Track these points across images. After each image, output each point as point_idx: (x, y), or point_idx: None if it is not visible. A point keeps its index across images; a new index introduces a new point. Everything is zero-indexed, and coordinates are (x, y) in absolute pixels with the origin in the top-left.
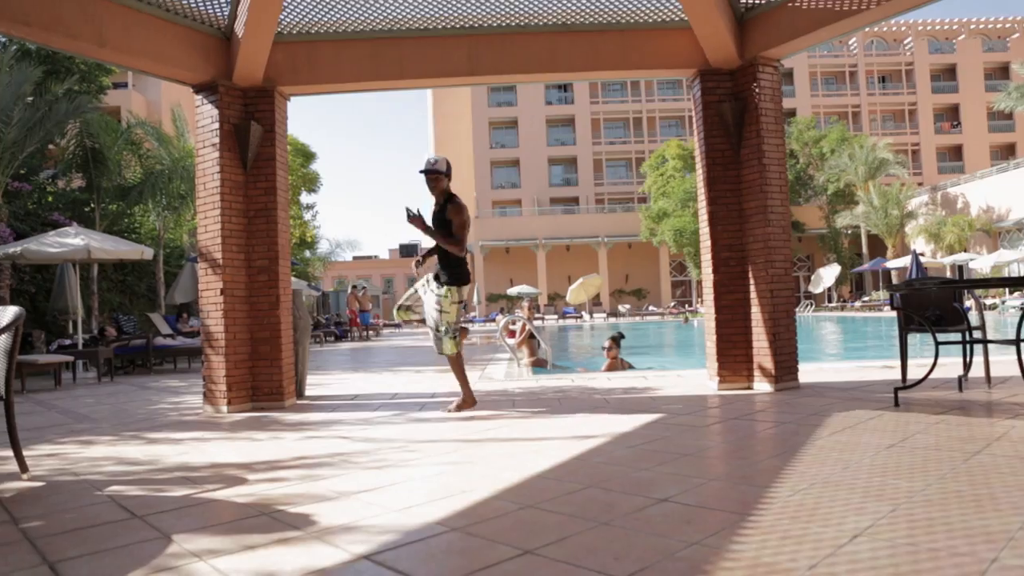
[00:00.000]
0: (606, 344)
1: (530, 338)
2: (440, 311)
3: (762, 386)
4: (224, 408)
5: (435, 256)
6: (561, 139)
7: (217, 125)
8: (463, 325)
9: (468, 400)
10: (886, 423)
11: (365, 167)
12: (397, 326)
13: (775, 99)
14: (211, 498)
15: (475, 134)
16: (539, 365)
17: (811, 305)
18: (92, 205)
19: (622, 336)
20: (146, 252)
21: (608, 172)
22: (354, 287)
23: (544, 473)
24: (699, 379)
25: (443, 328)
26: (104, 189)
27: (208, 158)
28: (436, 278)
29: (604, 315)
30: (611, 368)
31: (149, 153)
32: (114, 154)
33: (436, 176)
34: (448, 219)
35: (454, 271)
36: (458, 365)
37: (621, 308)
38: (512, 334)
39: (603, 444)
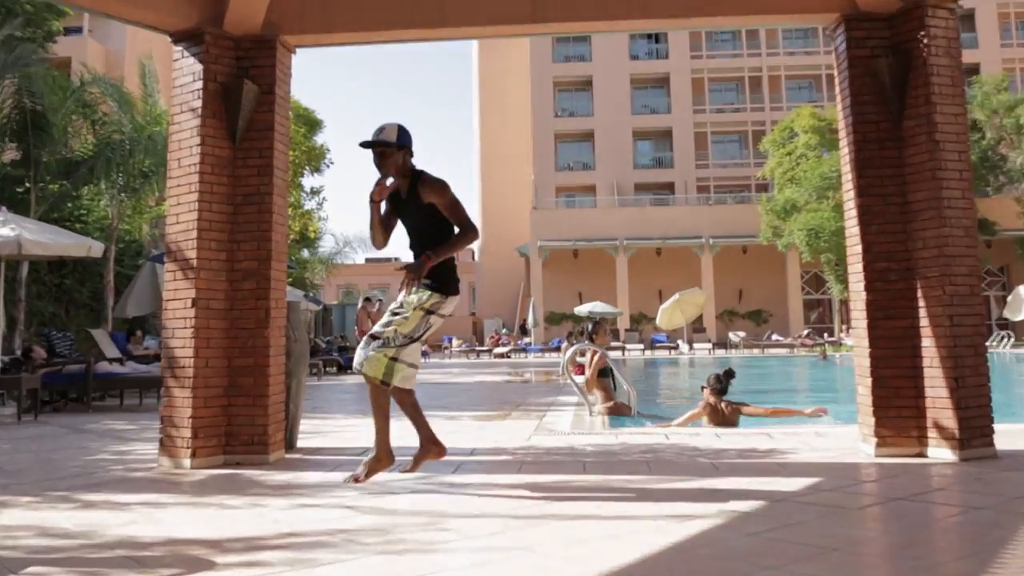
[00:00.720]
0: (704, 387)
1: (601, 376)
2: (397, 313)
3: (940, 452)
4: (187, 462)
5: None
6: (651, 105)
7: (200, 84)
8: (412, 363)
9: (382, 457)
10: None
11: None
12: (423, 354)
13: (951, 52)
14: None
15: (534, 98)
16: (619, 413)
17: (1008, 338)
18: (27, 184)
19: (731, 376)
20: (94, 248)
21: (715, 150)
22: (367, 300)
23: (628, 569)
24: (847, 439)
25: (385, 336)
26: (44, 164)
27: (186, 126)
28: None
29: (709, 346)
30: (710, 418)
31: (106, 118)
32: (60, 119)
33: (385, 151)
34: (428, 204)
35: (444, 274)
36: (379, 403)
37: (733, 336)
38: (581, 369)
39: (711, 528)
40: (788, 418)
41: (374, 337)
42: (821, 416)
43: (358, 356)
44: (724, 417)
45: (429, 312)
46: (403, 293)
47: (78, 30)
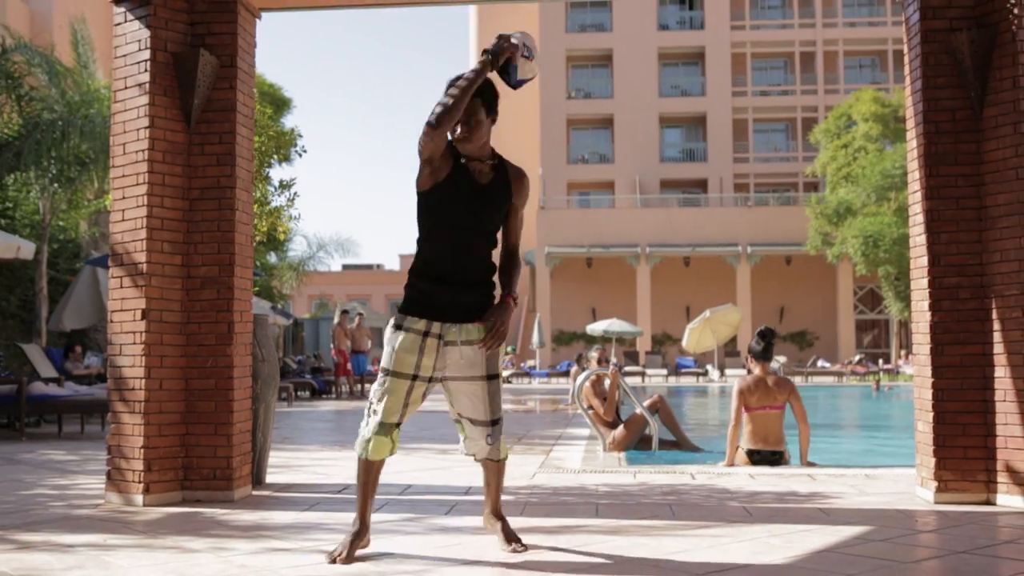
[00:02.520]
0: (749, 353)
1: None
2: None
3: (1011, 500)
4: (139, 498)
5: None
6: (682, 86)
7: (147, 54)
8: (386, 420)
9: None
10: None
11: (363, 126)
12: None
13: None
14: None
15: (543, 75)
16: (632, 439)
17: None
18: None
19: (769, 335)
20: (24, 248)
21: (756, 140)
22: (344, 313)
23: None
24: (902, 483)
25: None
26: None
27: (131, 105)
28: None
29: (743, 372)
30: (758, 388)
31: (33, 93)
32: None
33: (485, 113)
34: (508, 198)
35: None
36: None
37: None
38: (601, 397)
39: None
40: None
41: (495, 422)
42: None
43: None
44: (765, 391)
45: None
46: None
47: None
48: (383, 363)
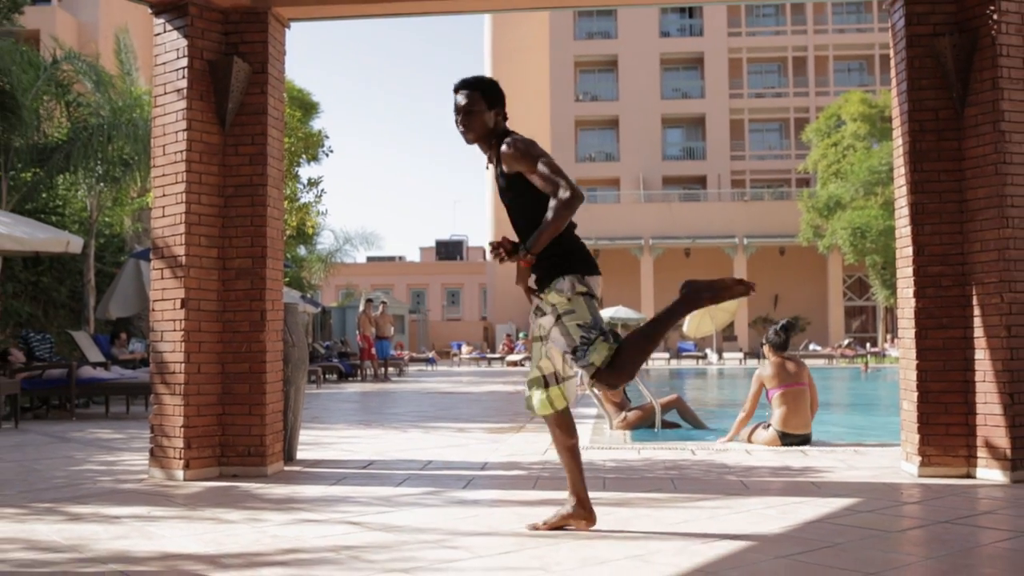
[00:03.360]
0: (763, 342)
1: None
2: (564, 318)
3: (990, 474)
4: (180, 473)
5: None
6: (682, 89)
7: (185, 62)
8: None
9: (581, 512)
10: None
11: (386, 128)
12: (430, 361)
13: None
14: None
15: (553, 80)
16: (641, 424)
17: None
18: None
19: (791, 328)
20: (73, 243)
21: (752, 139)
22: (368, 302)
23: None
24: (888, 458)
25: (585, 345)
26: (15, 150)
27: (170, 109)
28: (538, 288)
29: (740, 355)
30: (779, 372)
31: (81, 99)
32: (31, 100)
33: (472, 109)
34: (515, 174)
35: (564, 252)
36: (563, 440)
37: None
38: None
39: (740, 551)
40: (859, 436)
41: (574, 353)
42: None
43: (581, 377)
44: (788, 371)
45: (584, 293)
46: (534, 309)
47: (47, 0)
48: (600, 323)
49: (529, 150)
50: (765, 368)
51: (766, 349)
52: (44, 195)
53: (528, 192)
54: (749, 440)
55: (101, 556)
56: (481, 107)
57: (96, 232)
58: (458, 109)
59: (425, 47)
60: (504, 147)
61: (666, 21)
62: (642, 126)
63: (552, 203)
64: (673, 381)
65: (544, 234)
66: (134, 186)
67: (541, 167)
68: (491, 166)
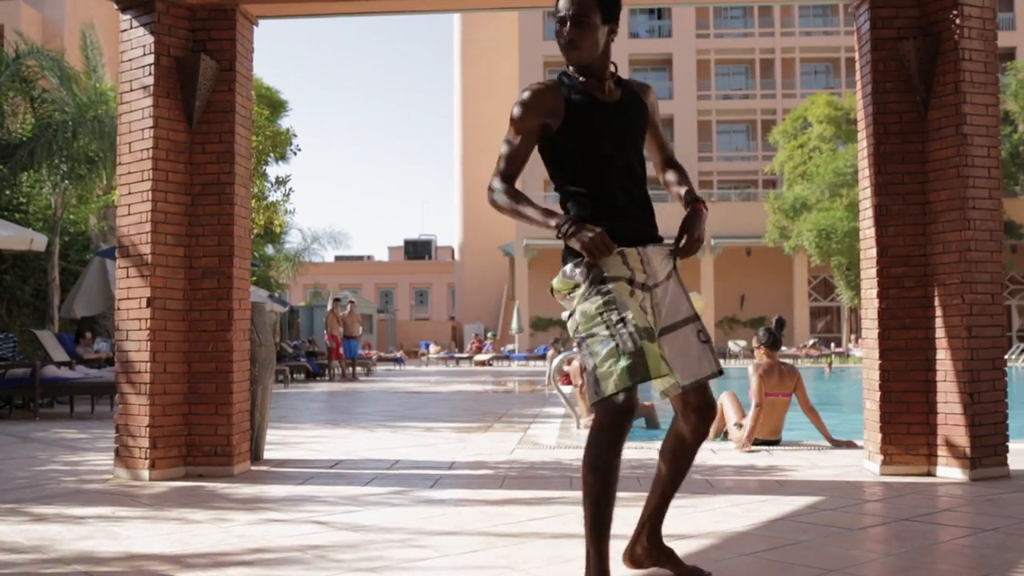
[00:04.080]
0: (756, 344)
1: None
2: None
3: (950, 472)
4: (145, 473)
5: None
6: None
7: (152, 59)
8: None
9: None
10: None
11: (354, 126)
12: (398, 361)
13: (986, 36)
14: None
15: (522, 79)
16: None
17: None
18: None
19: (782, 326)
20: (36, 240)
21: (719, 141)
22: (336, 301)
23: None
24: (851, 457)
25: (597, 340)
26: None
27: (136, 106)
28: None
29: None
30: (772, 374)
31: (45, 95)
32: None
33: (585, 19)
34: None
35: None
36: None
37: (732, 346)
38: (567, 379)
39: (705, 548)
40: (818, 438)
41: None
42: (848, 449)
43: (588, 396)
44: (780, 378)
45: (599, 283)
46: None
47: None
48: None
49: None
50: (760, 366)
51: (760, 351)
52: (7, 192)
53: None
54: (726, 437)
55: (65, 557)
56: (596, 18)
57: (61, 230)
58: (563, 18)
59: (394, 45)
60: (644, 87)
61: (635, 22)
62: None
63: (677, 161)
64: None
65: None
66: (100, 183)
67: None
68: (611, 97)
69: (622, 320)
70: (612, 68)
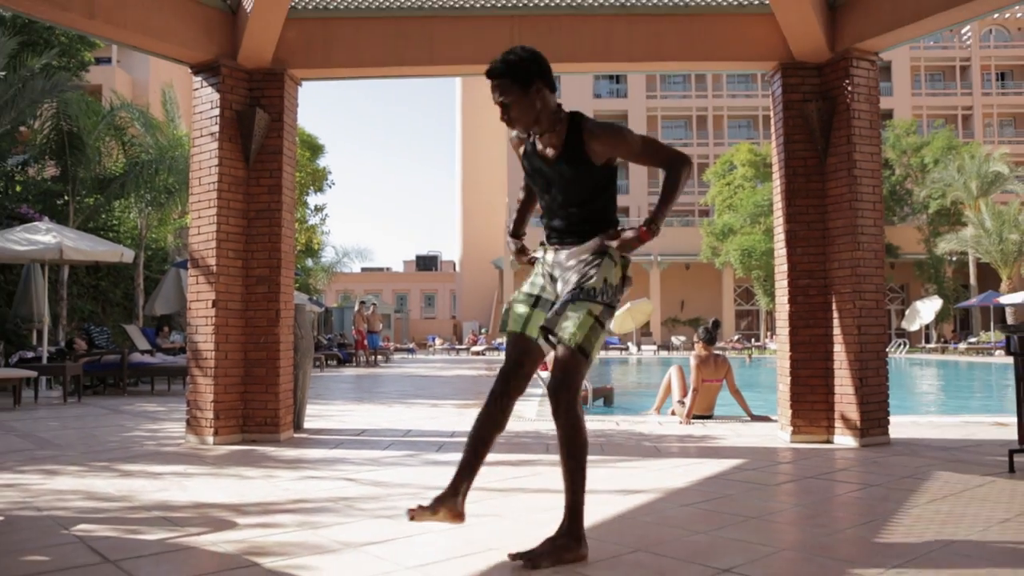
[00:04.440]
0: (696, 339)
1: None
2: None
3: (844, 440)
4: (210, 439)
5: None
6: None
7: (217, 111)
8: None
9: (573, 546)
10: (999, 492)
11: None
12: (411, 351)
13: (871, 99)
14: (194, 544)
15: (506, 132)
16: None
17: (904, 345)
18: (66, 197)
19: (718, 325)
20: (126, 254)
21: None
22: (362, 303)
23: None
24: (768, 429)
25: (590, 288)
26: (81, 179)
27: (205, 149)
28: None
29: (654, 347)
30: (708, 364)
31: (134, 140)
32: (94, 140)
33: (517, 89)
34: (590, 163)
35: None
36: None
37: (675, 340)
38: (546, 366)
39: (653, 501)
40: (742, 413)
41: (580, 290)
42: (765, 423)
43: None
44: (714, 366)
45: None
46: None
47: (107, 60)
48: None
49: (622, 130)
50: (698, 356)
51: (699, 345)
52: (104, 216)
53: (597, 177)
54: (672, 413)
55: (146, 505)
56: (516, 94)
57: (144, 246)
58: (498, 104)
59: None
60: (594, 133)
61: (598, 85)
62: None
63: (671, 172)
64: (602, 367)
65: (669, 204)
66: (175, 209)
67: (645, 144)
68: (548, 150)
69: (519, 290)
70: (562, 116)
